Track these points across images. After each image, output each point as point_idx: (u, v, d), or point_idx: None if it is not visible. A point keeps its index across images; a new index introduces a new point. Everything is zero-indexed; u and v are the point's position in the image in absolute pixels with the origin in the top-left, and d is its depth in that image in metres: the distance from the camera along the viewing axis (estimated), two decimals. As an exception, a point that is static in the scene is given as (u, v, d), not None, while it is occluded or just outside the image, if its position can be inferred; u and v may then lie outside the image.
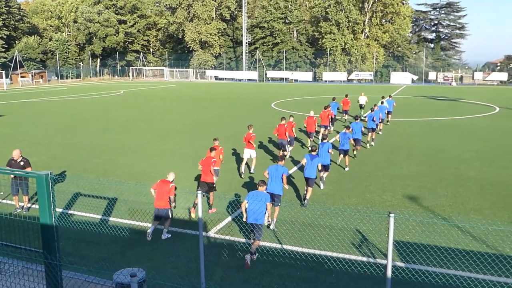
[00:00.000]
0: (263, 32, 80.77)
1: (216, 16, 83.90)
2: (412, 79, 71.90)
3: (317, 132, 20.50)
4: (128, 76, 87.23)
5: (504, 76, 69.01)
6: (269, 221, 10.03)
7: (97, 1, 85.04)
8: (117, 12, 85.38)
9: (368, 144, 19.33)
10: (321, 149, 13.35)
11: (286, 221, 10.25)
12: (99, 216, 10.83)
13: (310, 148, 12.13)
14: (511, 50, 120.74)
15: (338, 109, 25.77)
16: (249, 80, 79.07)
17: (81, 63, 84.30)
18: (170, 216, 9.66)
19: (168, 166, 15.86)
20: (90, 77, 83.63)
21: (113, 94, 49.90)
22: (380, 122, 21.48)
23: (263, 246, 9.06)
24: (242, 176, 14.46)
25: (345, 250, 8.84)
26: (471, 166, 15.61)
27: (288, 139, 16.63)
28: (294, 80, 76.77)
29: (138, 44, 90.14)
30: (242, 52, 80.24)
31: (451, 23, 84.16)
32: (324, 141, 13.65)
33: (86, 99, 44.11)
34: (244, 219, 8.75)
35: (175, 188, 9.89)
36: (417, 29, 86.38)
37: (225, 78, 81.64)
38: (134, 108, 35.31)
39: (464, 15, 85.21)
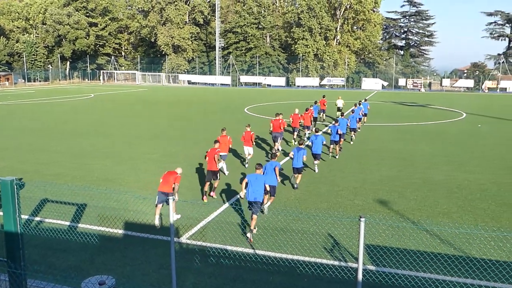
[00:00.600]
0: (236, 37, 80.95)
1: (189, 20, 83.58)
2: (383, 85, 73.40)
3: (299, 130, 22.39)
4: (99, 79, 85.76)
5: (470, 83, 71.33)
6: (262, 208, 11.00)
7: (67, 3, 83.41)
8: (87, 14, 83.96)
9: (351, 141, 21.71)
10: (315, 140, 15.59)
11: (259, 226, 10.25)
12: (68, 223, 10.57)
13: (297, 142, 14.08)
14: (477, 58, 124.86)
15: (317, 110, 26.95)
16: (222, 84, 78.99)
17: (50, 65, 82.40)
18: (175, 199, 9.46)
19: (140, 171, 15.66)
20: (59, 80, 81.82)
21: (83, 98, 48.95)
22: (352, 129, 22.16)
23: (235, 251, 9.03)
24: (246, 166, 16.42)
25: (317, 255, 8.90)
26: (439, 170, 15.99)
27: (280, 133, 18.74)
28: (267, 85, 77.13)
29: (110, 47, 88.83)
30: (215, 57, 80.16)
31: (420, 31, 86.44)
32: (318, 133, 15.99)
33: (56, 102, 43.11)
34: (243, 196, 10.23)
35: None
36: (387, 36, 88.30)
37: (198, 83, 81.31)
38: (105, 112, 34.72)
39: (433, 23, 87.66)
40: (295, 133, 21.56)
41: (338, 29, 75.22)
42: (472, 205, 12.09)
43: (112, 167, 16.31)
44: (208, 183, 12.71)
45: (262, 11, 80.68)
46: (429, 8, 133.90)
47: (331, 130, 18.50)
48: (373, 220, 10.45)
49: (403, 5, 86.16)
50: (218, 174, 12.71)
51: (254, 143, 17.10)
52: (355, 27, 77.52)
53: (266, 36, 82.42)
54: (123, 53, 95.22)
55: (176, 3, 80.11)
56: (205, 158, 12.99)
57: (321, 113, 29.05)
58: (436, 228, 10.18)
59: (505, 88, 68.80)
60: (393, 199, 12.62)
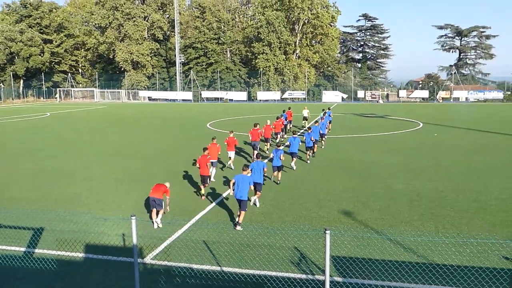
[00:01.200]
0: (196, 52, 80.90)
1: (148, 36, 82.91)
2: (342, 97, 75.01)
3: (272, 138, 24.94)
4: (55, 97, 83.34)
5: (425, 93, 73.98)
6: (250, 199, 12.91)
7: (19, 19, 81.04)
8: (41, 31, 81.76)
9: (323, 146, 24.00)
10: (293, 141, 18.10)
11: (224, 242, 10.15)
12: (23, 249, 10.10)
13: (276, 144, 17.18)
14: (431, 69, 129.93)
15: (286, 119, 29.51)
16: (183, 100, 78.52)
17: (1, 84, 79.47)
18: (163, 207, 11.66)
19: (100, 191, 15.24)
20: (13, 99, 78.91)
21: (39, 117, 47.40)
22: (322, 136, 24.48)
23: (201, 270, 8.88)
24: (233, 168, 18.53)
25: (284, 269, 8.88)
26: (400, 179, 16.40)
27: (261, 139, 21.95)
28: (229, 100, 77.30)
29: (66, 64, 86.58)
30: (175, 72, 79.72)
31: (376, 44, 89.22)
32: (295, 135, 19.07)
33: (9, 122, 41.51)
34: (232, 194, 11.74)
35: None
36: (345, 50, 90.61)
37: (159, 99, 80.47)
38: (62, 131, 33.72)
39: (388, 37, 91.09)
40: (268, 144, 23.63)
41: (297, 43, 76.54)
42: (433, 213, 12.45)
43: (70, 188, 15.79)
44: (204, 186, 14.34)
45: (222, 27, 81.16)
46: (383, 22, 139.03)
47: (305, 138, 20.33)
48: (338, 232, 10.56)
49: (359, 20, 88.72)
50: (209, 179, 14.74)
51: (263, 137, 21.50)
52: (313, 41, 79.12)
53: (226, 51, 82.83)
54: (80, 70, 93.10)
55: (134, 19, 79.38)
56: (196, 165, 14.75)
57: (288, 124, 30.78)
58: (399, 237, 10.39)
59: (458, 98, 71.81)
60: (357, 209, 12.82)
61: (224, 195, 14.47)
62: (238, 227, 11.16)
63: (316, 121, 27.36)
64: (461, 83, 75.99)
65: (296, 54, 77.53)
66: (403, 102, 72.61)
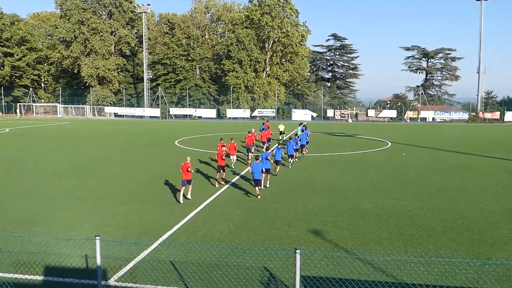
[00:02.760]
0: (165, 69, 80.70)
1: (115, 51, 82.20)
2: (312, 116, 76.08)
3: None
4: (15, 113, 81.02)
5: (393, 113, 76.05)
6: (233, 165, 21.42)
7: (-22, 32, 79.01)
8: (2, 44, 79.82)
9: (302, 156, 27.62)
10: (277, 151, 21.34)
11: (192, 262, 10.01)
12: (-22, 272, 9.65)
13: (264, 149, 24.01)
14: (399, 90, 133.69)
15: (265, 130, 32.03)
16: (151, 117, 77.84)
17: (-42, 98, 76.81)
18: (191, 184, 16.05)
19: (61, 210, 14.82)
20: (-31, 114, 76.28)
21: (-3, 133, 45.89)
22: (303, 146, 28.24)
23: (168, 292, 8.71)
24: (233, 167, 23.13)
25: (254, 290, 8.81)
26: (369, 199, 16.67)
27: (254, 144, 27.41)
28: (198, 117, 77.15)
29: (27, 78, 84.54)
30: (143, 89, 79.12)
31: (345, 64, 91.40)
32: (279, 146, 22.04)
33: (-36, 138, 39.97)
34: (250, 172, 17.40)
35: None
36: (314, 69, 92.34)
37: (125, 115, 79.48)
38: (21, 148, 32.73)
39: (357, 57, 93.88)
40: (250, 153, 26.23)
41: (267, 61, 77.51)
42: (401, 232, 12.69)
43: (29, 207, 15.28)
44: (184, 188, 16.09)
45: (192, 43, 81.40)
46: (352, 42, 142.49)
47: (287, 147, 24.16)
48: (308, 251, 10.61)
49: (328, 39, 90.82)
50: (224, 167, 19.11)
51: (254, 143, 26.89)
52: (283, 60, 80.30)
53: (196, 68, 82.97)
54: (42, 85, 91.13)
55: (101, 34, 78.65)
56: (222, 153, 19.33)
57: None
58: (369, 256, 10.53)
59: (425, 118, 74.08)
60: (326, 228, 12.93)
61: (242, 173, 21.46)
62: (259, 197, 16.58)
63: (296, 134, 31.64)
64: (428, 103, 78.52)
65: (266, 72, 78.43)
66: (372, 121, 74.26)
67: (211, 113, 77.84)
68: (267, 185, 18.51)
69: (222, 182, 19.23)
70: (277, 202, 16.21)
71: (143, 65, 78.81)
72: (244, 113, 75.89)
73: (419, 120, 73.71)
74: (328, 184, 19.53)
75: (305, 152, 28.59)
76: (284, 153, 24.47)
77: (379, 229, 12.90)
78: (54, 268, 9.77)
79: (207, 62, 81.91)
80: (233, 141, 24.12)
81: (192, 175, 16.46)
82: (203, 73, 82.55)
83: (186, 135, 43.83)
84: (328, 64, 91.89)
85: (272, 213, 14.61)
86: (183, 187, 16.03)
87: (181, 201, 15.70)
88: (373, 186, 19.10)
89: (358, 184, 19.43)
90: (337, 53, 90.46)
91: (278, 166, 21.62)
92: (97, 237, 6.55)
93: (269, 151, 21.20)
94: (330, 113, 76.76)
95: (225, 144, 21.60)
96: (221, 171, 19.41)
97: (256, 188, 16.82)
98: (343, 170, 23.18)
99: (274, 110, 76.33)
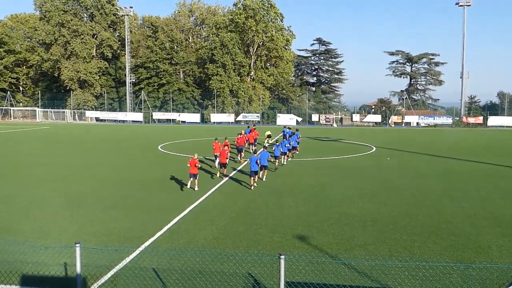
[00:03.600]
0: (148, 73, 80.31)
1: (97, 55, 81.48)
2: (297, 121, 76.30)
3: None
4: (-8, 117, 79.73)
5: (378, 118, 76.72)
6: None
7: (-46, 33, 77.58)
8: (-21, 46, 78.62)
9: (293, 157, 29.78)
10: (262, 154, 21.52)
11: (175, 269, 9.92)
12: (-48, 281, 9.43)
13: (253, 152, 24.47)
14: (383, 94, 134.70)
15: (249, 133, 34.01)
16: (133, 121, 77.33)
17: None
18: (196, 178, 18.83)
19: (40, 218, 14.57)
20: None
21: (-27, 138, 45.04)
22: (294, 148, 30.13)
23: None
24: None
25: (238, 297, 8.77)
26: (354, 204, 16.77)
27: (247, 145, 32.19)
28: (182, 121, 76.87)
29: (5, 82, 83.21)
30: (125, 92, 78.58)
31: (330, 68, 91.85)
32: (265, 150, 22.60)
33: None
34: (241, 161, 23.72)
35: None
36: (299, 73, 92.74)
37: (107, 120, 78.79)
38: (-1, 153, 32.16)
39: (341, 61, 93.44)
40: (241, 154, 28.53)
41: (251, 65, 77.64)
42: (386, 237, 12.78)
43: (4, 215, 14.99)
44: (191, 180, 18.96)
45: (175, 47, 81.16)
46: (337, 47, 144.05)
47: (274, 149, 25.51)
48: (293, 257, 10.61)
49: (313, 44, 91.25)
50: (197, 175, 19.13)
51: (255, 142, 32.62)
52: (268, 64, 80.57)
53: (179, 72, 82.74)
54: (21, 88, 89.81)
55: (82, 36, 77.87)
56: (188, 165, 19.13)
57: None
58: (354, 261, 10.57)
59: (409, 123, 75.00)
60: (311, 234, 12.96)
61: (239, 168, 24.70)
62: (253, 188, 19.34)
63: (284, 137, 32.89)
64: (412, 108, 79.54)
65: (251, 76, 78.58)
66: (357, 126, 74.87)
67: (195, 117, 77.66)
68: (252, 188, 19.46)
69: (224, 177, 21.90)
70: (261, 208, 16.19)
71: (125, 68, 78.30)
72: (229, 117, 75.89)
73: (403, 125, 74.58)
74: (314, 189, 19.60)
75: (293, 154, 30.30)
76: (271, 157, 25.17)
77: (365, 234, 12.97)
78: (32, 277, 9.59)
79: (191, 66, 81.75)
80: (221, 144, 25.88)
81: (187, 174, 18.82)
82: (186, 77, 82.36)
83: (169, 140, 43.60)
84: (313, 68, 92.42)
85: (257, 219, 14.58)
86: (190, 179, 18.95)
87: (188, 187, 19.00)
88: (359, 191, 19.22)
89: (344, 189, 19.53)
90: (322, 57, 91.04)
91: (266, 171, 21.98)
92: (77, 245, 6.45)
93: (256, 154, 21.80)
94: (315, 117, 77.16)
95: (228, 144, 25.34)
96: (223, 167, 22.25)
97: (252, 179, 19.61)
98: (329, 175, 23.28)
99: (258, 114, 76.49)
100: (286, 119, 75.67)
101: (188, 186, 19.03)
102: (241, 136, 29.51)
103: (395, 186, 20.47)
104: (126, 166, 26.22)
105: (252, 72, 78.19)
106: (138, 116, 77.64)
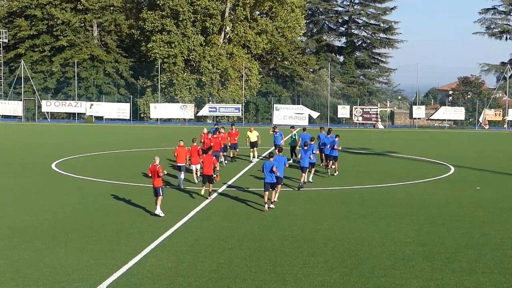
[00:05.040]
0: (32, 26, 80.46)
1: None
2: (311, 117, 75.79)
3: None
4: None
5: (459, 112, 75.70)
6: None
7: None
8: None
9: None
10: (278, 159, 25.24)
11: None
12: None
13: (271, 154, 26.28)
14: (468, 70, 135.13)
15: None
16: (4, 117, 77.25)
17: None
18: (161, 194, 22.60)
19: None
20: None
21: None
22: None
23: None
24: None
25: None
26: (415, 272, 16.47)
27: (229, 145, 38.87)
28: (96, 118, 77.29)
29: None
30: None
31: (372, 22, 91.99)
32: (280, 153, 26.11)
33: None
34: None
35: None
36: (315, 30, 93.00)
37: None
38: None
39: (393, 8, 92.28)
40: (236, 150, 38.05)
41: (226, 15, 77.59)
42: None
43: None
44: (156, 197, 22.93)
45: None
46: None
47: (300, 156, 30.43)
48: None
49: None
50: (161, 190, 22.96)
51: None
52: (257, 12, 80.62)
53: (92, 26, 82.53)
54: None
55: None
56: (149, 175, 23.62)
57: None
58: None
59: (516, 121, 74.64)
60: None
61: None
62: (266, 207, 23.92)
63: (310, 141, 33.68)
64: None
65: (226, 34, 78.61)
66: (420, 127, 75.01)
67: (121, 110, 77.56)
68: (266, 208, 24.03)
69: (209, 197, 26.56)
70: (247, 278, 15.91)
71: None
72: (184, 111, 75.65)
73: (505, 126, 74.75)
74: (342, 242, 19.37)
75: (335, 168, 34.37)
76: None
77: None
78: None
79: (114, 15, 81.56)
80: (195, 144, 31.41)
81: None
82: (105, 36, 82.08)
83: (72, 151, 43.26)
84: (340, 21, 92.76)
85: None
86: (204, 185, 26.30)
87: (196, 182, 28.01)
88: (423, 248, 18.99)
89: (396, 245, 19.30)
90: (357, 0, 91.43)
91: (279, 188, 25.82)
92: None
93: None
94: (343, 112, 76.98)
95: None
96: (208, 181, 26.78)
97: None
98: (369, 218, 23.06)
99: (239, 105, 76.24)
100: (289, 114, 75.35)
101: (156, 211, 22.75)
102: (204, 136, 34.22)
103: (491, 239, 20.26)
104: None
105: (228, 27, 78.16)
106: (15, 108, 77.42)
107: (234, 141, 39.31)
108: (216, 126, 40.07)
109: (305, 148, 29.67)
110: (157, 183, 22.74)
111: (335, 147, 33.76)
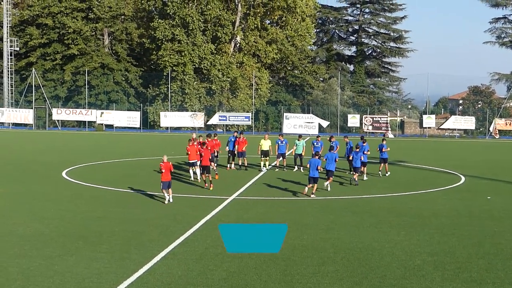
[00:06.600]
0: (44, 35, 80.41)
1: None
2: (321, 126, 75.86)
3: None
4: None
5: (470, 122, 75.88)
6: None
7: None
8: None
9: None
10: (312, 162, 28.69)
11: None
12: None
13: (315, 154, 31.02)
14: (478, 79, 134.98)
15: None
16: (15, 125, 77.55)
17: None
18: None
19: None
20: None
21: None
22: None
23: None
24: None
25: None
26: (426, 282, 16.47)
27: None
28: (106, 126, 77.52)
29: None
30: (1, 71, 78.63)
31: (382, 31, 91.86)
32: (316, 157, 29.57)
33: None
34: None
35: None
36: (325, 39, 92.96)
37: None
38: None
39: (403, 17, 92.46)
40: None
41: (237, 24, 77.69)
42: None
43: None
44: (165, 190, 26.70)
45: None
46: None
47: (352, 157, 34.62)
48: None
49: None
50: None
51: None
52: (268, 22, 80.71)
53: (103, 35, 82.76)
54: None
55: None
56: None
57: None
58: None
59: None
60: None
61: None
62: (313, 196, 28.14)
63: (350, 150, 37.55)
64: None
65: (236, 43, 78.71)
66: (430, 136, 74.89)
67: (131, 119, 77.83)
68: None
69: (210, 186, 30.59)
70: (257, 287, 15.92)
71: (1, 27, 78.28)
72: (194, 119, 75.83)
73: (517, 135, 74.72)
74: (353, 252, 19.36)
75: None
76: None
77: None
78: None
79: (125, 25, 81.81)
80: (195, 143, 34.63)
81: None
82: (116, 45, 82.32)
83: (83, 159, 43.39)
84: (351, 29, 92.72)
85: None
86: (164, 190, 26.75)
87: (166, 202, 26.85)
88: (434, 257, 18.95)
89: (407, 254, 19.27)
90: (367, 10, 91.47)
91: (315, 186, 28.99)
92: None
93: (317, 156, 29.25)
94: (353, 121, 77.05)
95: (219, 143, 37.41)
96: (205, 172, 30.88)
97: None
98: (379, 227, 23.06)
99: (249, 114, 76.35)
100: (299, 122, 75.48)
101: (166, 202, 26.82)
102: (191, 143, 34.60)
103: (502, 249, 20.20)
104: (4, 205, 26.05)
105: (239, 37, 78.29)
106: (26, 115, 77.73)
107: (242, 150, 39.96)
108: (215, 135, 40.83)
109: (357, 150, 33.50)
110: (168, 178, 26.56)
111: (383, 150, 38.17)
